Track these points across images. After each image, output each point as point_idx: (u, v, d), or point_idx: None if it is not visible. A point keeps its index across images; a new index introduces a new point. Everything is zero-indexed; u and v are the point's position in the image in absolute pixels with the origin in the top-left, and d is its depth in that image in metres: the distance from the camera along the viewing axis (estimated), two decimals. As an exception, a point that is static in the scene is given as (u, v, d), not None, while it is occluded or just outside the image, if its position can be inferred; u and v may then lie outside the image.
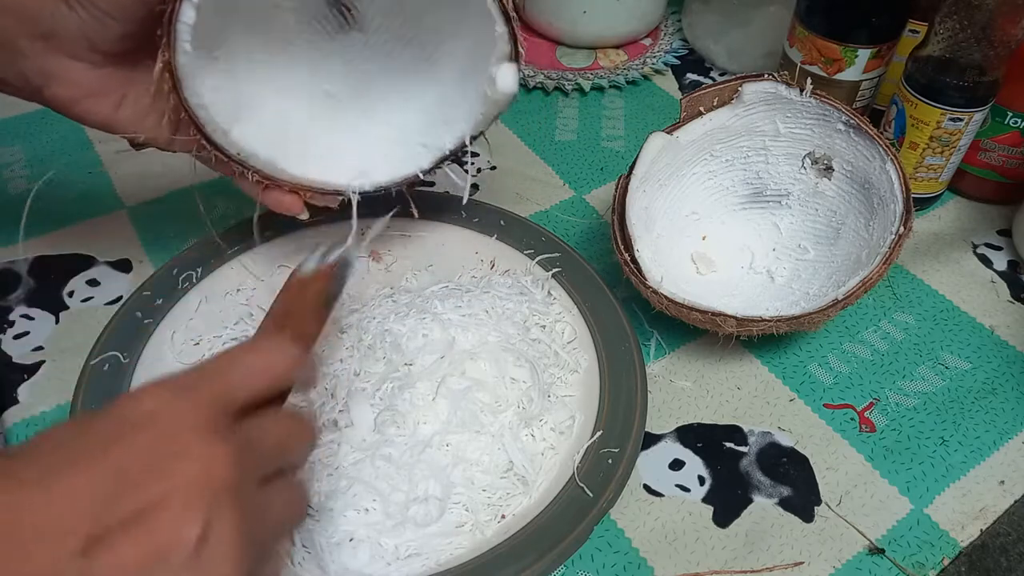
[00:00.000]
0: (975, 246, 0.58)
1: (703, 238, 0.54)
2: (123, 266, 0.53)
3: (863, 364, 0.50)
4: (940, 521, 0.42)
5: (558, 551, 0.38)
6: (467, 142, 0.45)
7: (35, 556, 0.23)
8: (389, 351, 0.44)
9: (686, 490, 0.43)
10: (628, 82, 0.71)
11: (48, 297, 0.50)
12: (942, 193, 0.60)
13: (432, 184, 0.57)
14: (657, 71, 0.72)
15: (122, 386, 0.43)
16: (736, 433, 0.46)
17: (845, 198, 0.51)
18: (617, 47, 0.74)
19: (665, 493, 0.43)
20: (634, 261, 0.46)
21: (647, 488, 0.43)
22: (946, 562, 0.41)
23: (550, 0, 0.71)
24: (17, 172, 0.59)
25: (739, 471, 0.44)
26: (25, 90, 0.39)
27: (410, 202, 0.47)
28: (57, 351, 0.48)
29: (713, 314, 0.44)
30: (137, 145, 0.42)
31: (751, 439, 0.45)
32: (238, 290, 0.50)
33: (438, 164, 0.46)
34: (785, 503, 0.43)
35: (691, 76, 0.73)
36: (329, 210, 0.46)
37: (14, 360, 0.47)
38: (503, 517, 0.40)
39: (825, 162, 0.51)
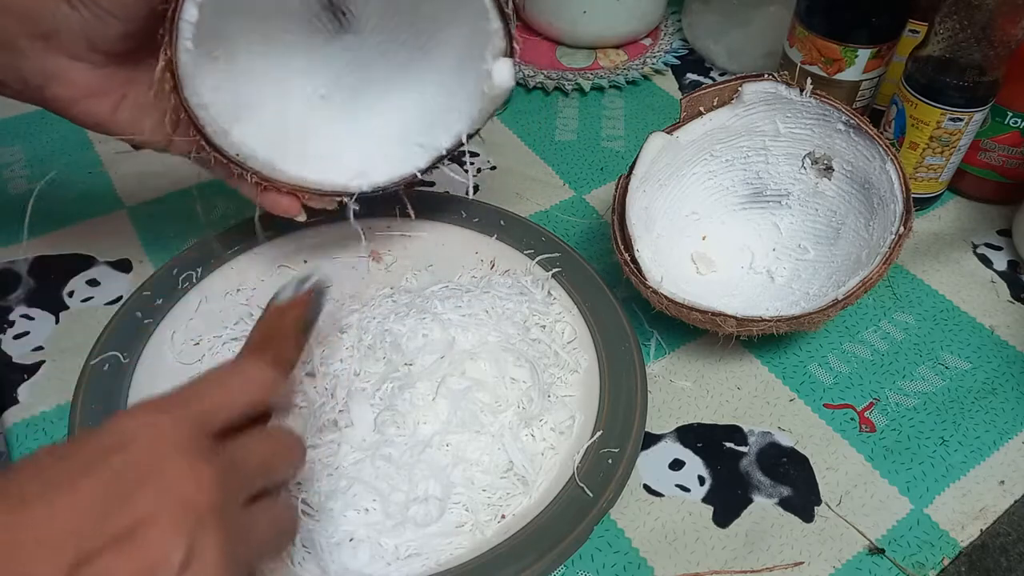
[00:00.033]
0: (975, 246, 0.58)
1: (703, 238, 0.54)
2: (123, 266, 0.53)
3: (863, 364, 0.50)
4: (940, 521, 0.42)
5: (558, 551, 0.38)
6: (463, 140, 0.45)
7: (26, 574, 0.24)
8: (389, 351, 0.44)
9: (686, 490, 0.43)
10: (628, 82, 0.71)
11: (48, 297, 0.50)
12: (942, 193, 0.60)
13: (432, 184, 0.57)
14: (657, 71, 0.72)
15: (122, 386, 0.43)
16: (736, 433, 0.46)
17: (845, 198, 0.51)
18: (617, 47, 0.74)
19: (665, 493, 0.43)
20: (634, 261, 0.46)
21: (647, 488, 0.43)
22: (946, 562, 0.41)
23: (550, 0, 0.71)
24: (17, 172, 0.59)
25: (739, 471, 0.44)
26: (24, 91, 0.39)
27: (406, 203, 0.47)
28: (57, 351, 0.48)
29: (713, 314, 0.44)
30: (137, 146, 0.42)
31: (751, 439, 0.45)
32: (238, 290, 0.50)
33: (435, 164, 0.47)
34: (785, 503, 0.43)
35: (691, 76, 0.73)
36: (327, 211, 0.47)
37: (14, 360, 0.47)
38: (503, 517, 0.40)
39: (825, 162, 0.51)
